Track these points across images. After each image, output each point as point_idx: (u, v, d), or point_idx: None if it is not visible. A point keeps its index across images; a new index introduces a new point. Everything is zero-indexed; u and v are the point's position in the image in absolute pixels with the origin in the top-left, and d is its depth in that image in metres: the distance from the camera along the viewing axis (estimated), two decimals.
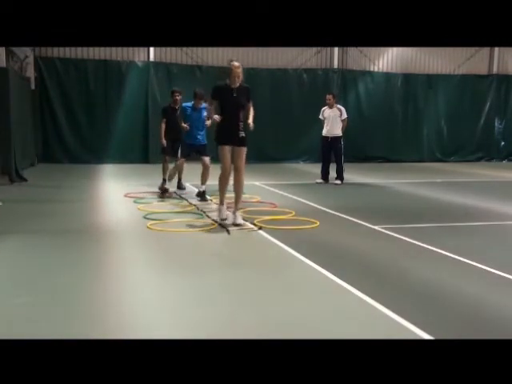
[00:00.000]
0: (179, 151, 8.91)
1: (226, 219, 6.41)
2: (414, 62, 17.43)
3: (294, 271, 4.60)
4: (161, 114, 9.86)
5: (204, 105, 8.38)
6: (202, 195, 8.29)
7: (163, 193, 8.88)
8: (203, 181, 8.35)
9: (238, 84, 6.38)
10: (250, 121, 6.45)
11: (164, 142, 9.42)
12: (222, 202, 6.60)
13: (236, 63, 6.35)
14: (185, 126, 8.56)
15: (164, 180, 9.47)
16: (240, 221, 6.31)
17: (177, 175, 9.37)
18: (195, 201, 8.16)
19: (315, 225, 6.37)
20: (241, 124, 6.37)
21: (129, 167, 13.76)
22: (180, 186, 9.44)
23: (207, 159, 8.43)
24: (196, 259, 4.92)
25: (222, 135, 6.40)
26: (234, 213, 6.37)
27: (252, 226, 6.22)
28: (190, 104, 8.66)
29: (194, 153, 8.68)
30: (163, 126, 9.43)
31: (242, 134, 6.38)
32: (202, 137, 8.64)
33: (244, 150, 6.40)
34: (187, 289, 4.07)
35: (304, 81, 16.26)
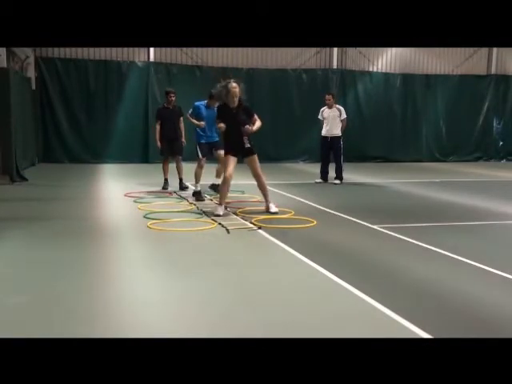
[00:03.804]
0: (198, 152, 8.52)
1: (218, 215, 6.79)
2: (413, 62, 17.46)
3: (294, 270, 4.62)
4: (154, 116, 9.86)
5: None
6: (215, 188, 8.55)
7: (197, 196, 8.27)
8: (218, 174, 8.39)
9: (236, 103, 6.90)
10: (254, 127, 6.99)
11: (159, 143, 9.43)
12: (221, 204, 7.01)
13: (234, 84, 6.83)
14: (201, 123, 8.34)
15: (166, 180, 9.49)
16: (274, 209, 7.05)
17: (174, 176, 9.37)
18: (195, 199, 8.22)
19: (313, 223, 6.40)
20: (245, 138, 6.96)
21: (129, 167, 13.79)
22: (182, 186, 9.35)
23: (223, 152, 8.11)
24: (196, 258, 4.94)
25: (228, 146, 7.06)
26: (268, 205, 7.09)
27: (251, 226, 6.25)
28: (203, 102, 8.46)
29: (212, 149, 8.53)
30: (158, 127, 9.40)
31: (248, 145, 7.01)
32: (215, 134, 8.46)
33: (254, 157, 7.07)
34: (187, 288, 4.08)
35: (303, 81, 16.28)
